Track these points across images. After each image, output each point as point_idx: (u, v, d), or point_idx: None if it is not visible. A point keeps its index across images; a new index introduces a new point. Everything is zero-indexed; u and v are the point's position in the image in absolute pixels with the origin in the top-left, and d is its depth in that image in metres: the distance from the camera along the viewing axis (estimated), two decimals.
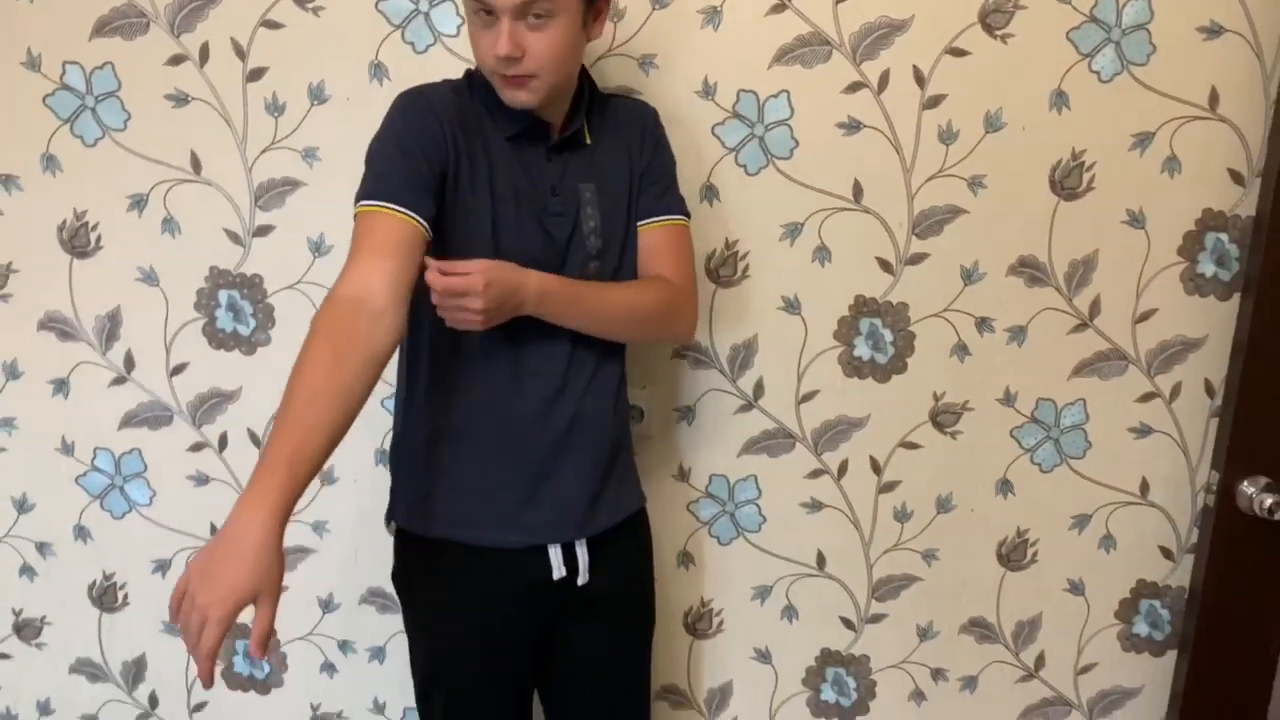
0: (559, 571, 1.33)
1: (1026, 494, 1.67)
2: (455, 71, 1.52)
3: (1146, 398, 1.62)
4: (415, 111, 1.22)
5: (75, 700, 1.83)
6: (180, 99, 1.57)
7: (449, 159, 1.21)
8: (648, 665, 1.50)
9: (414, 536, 1.38)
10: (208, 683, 0.95)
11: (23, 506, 1.74)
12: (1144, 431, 1.64)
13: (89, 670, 1.82)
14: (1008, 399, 1.63)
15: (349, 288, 1.11)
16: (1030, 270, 1.58)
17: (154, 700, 1.83)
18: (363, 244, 1.15)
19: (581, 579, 1.34)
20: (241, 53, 1.55)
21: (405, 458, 1.39)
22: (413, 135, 1.20)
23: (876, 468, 1.68)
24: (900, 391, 1.64)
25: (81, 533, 1.75)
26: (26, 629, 1.80)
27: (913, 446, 1.66)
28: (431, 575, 1.37)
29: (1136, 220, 1.56)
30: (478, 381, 1.29)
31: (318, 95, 1.56)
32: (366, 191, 1.18)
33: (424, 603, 1.40)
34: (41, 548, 1.76)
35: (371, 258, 1.13)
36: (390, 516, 1.42)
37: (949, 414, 1.65)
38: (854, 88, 1.53)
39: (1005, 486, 1.67)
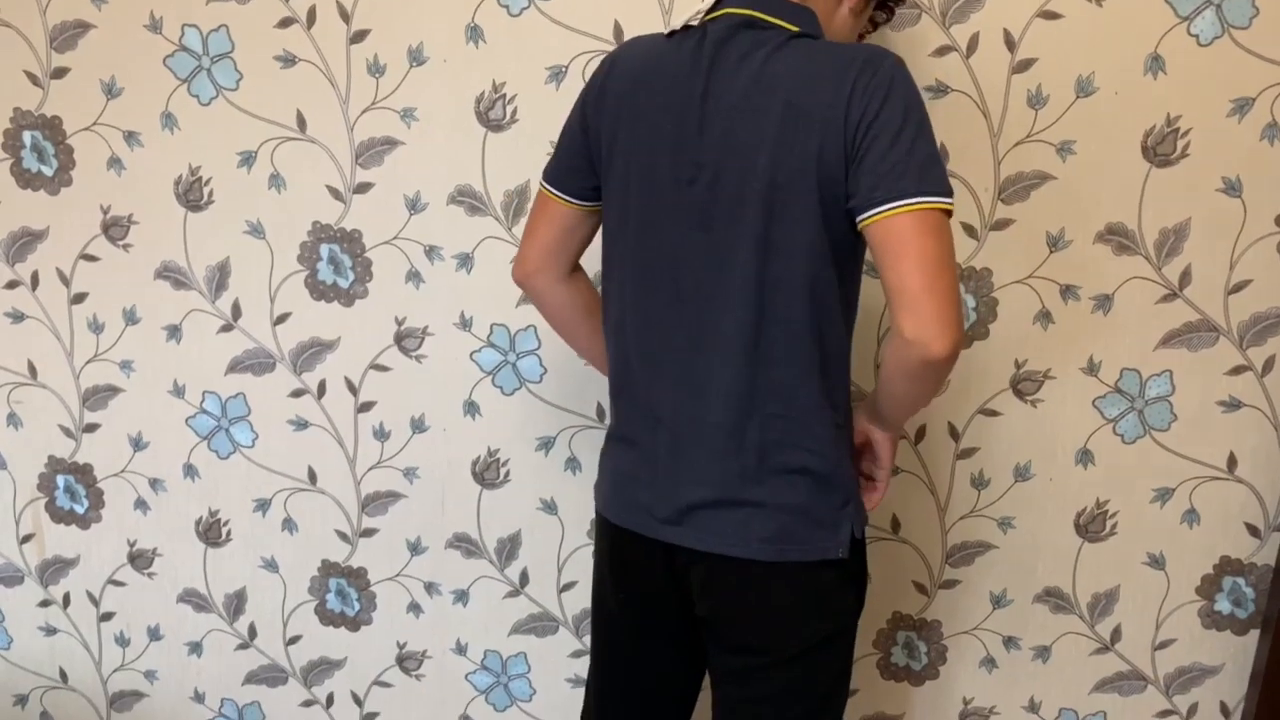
0: None
1: (1107, 465, 1.66)
2: (550, 35, 1.58)
3: (1237, 370, 1.59)
4: None
5: (181, 628, 1.96)
6: (288, 60, 1.65)
7: None
8: None
9: (861, 541, 1.27)
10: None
11: (138, 444, 1.86)
12: (1233, 405, 1.61)
13: (194, 600, 1.94)
14: (1091, 368, 1.62)
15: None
16: (1118, 238, 1.56)
17: (253, 631, 1.94)
18: (950, 243, 1.08)
19: None
20: (345, 15, 1.62)
21: (848, 459, 1.27)
22: None
23: (954, 434, 1.68)
24: (981, 358, 1.64)
25: (190, 471, 1.86)
26: (140, 559, 1.93)
27: (992, 414, 1.66)
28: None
29: (1233, 188, 1.53)
30: None
31: (416, 57, 1.62)
32: (949, 187, 1.09)
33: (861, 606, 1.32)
34: (154, 484, 1.88)
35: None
36: (852, 536, 1.23)
37: (1030, 382, 1.64)
38: (942, 51, 1.52)
39: (1085, 457, 1.66)
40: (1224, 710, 1.75)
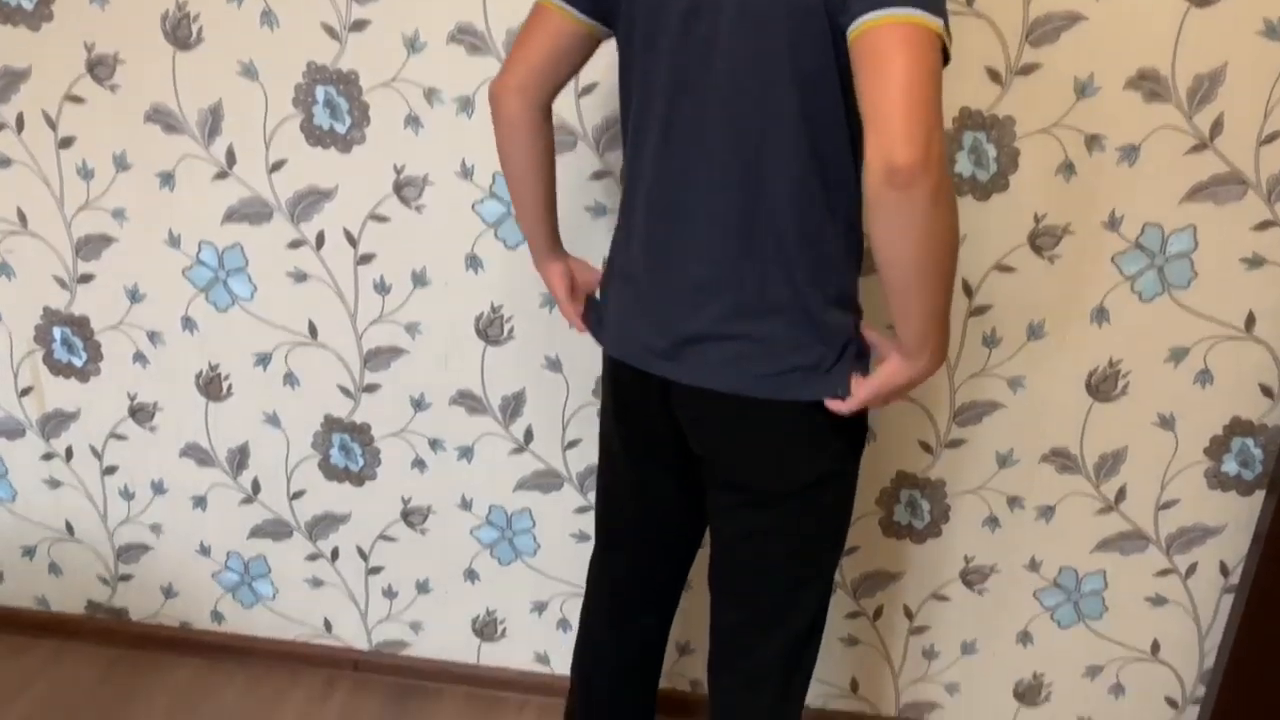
0: None
1: (1123, 323, 1.63)
2: None
3: (1263, 226, 1.55)
4: None
5: (185, 482, 1.96)
6: None
7: None
8: None
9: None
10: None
11: (135, 296, 1.82)
12: (1256, 262, 1.57)
13: (197, 455, 1.93)
14: (1112, 223, 1.57)
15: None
16: (1150, 84, 1.49)
17: (256, 486, 1.95)
18: (938, 67, 0.98)
19: None
20: None
21: (850, 304, 1.21)
22: None
23: (968, 290, 1.64)
24: (999, 211, 1.59)
25: (188, 324, 1.83)
26: (140, 413, 1.91)
27: (1007, 269, 1.62)
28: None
29: (1274, 31, 1.45)
30: None
31: None
32: (944, 11, 0.99)
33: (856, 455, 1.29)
34: (152, 336, 1.85)
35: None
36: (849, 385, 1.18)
37: (1048, 236, 1.59)
38: None
39: (1101, 315, 1.63)
40: (1223, 570, 1.76)
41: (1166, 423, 1.68)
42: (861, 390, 1.15)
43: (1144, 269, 1.59)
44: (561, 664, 2.01)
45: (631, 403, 1.31)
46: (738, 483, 1.25)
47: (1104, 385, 1.67)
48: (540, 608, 1.97)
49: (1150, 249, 1.58)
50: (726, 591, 1.35)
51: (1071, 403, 1.69)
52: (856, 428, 1.26)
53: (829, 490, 1.27)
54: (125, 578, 2.06)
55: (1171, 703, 1.87)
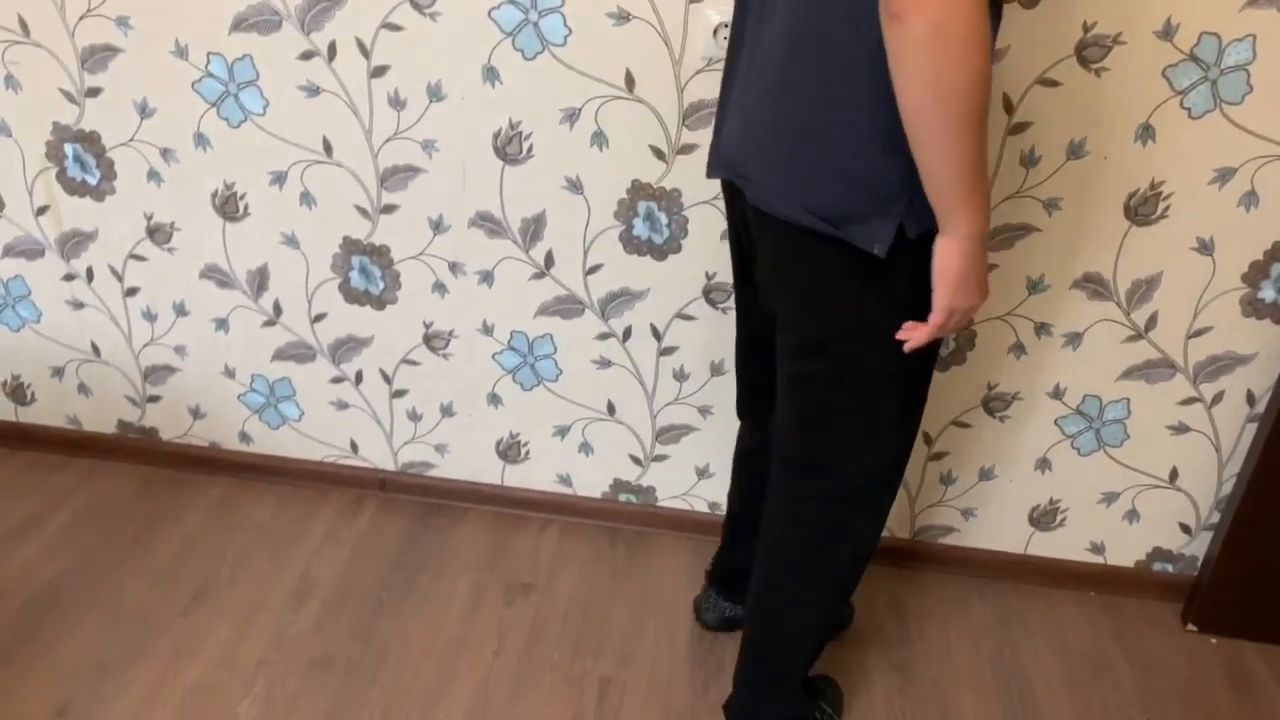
0: None
1: (1168, 142, 1.56)
2: None
3: None
4: None
5: (207, 304, 1.96)
6: None
7: None
8: None
9: (920, 247, 1.08)
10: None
11: (145, 110, 1.77)
12: None
13: (217, 276, 1.92)
14: (1167, 32, 1.48)
15: None
16: None
17: (278, 309, 1.94)
18: None
19: None
20: None
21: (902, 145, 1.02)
22: None
23: (1008, 106, 1.57)
24: (1046, 19, 1.50)
25: (201, 140, 1.79)
26: (158, 233, 1.89)
27: (1051, 84, 1.54)
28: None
29: None
30: None
31: None
32: None
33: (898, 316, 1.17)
34: (165, 154, 1.81)
35: None
36: (903, 239, 1.08)
37: (1097, 47, 1.50)
38: None
39: (1146, 133, 1.55)
40: (1249, 399, 1.75)
41: (1205, 247, 1.63)
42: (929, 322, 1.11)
43: (1196, 82, 1.51)
44: (583, 485, 2.05)
45: (731, 219, 1.34)
46: (786, 322, 1.23)
47: (1143, 208, 1.61)
48: (563, 432, 1.99)
49: (1205, 60, 1.49)
50: (780, 428, 1.34)
51: (1108, 226, 1.64)
52: (906, 289, 1.13)
53: (881, 346, 1.15)
54: (153, 399, 2.09)
55: (1185, 528, 1.90)
